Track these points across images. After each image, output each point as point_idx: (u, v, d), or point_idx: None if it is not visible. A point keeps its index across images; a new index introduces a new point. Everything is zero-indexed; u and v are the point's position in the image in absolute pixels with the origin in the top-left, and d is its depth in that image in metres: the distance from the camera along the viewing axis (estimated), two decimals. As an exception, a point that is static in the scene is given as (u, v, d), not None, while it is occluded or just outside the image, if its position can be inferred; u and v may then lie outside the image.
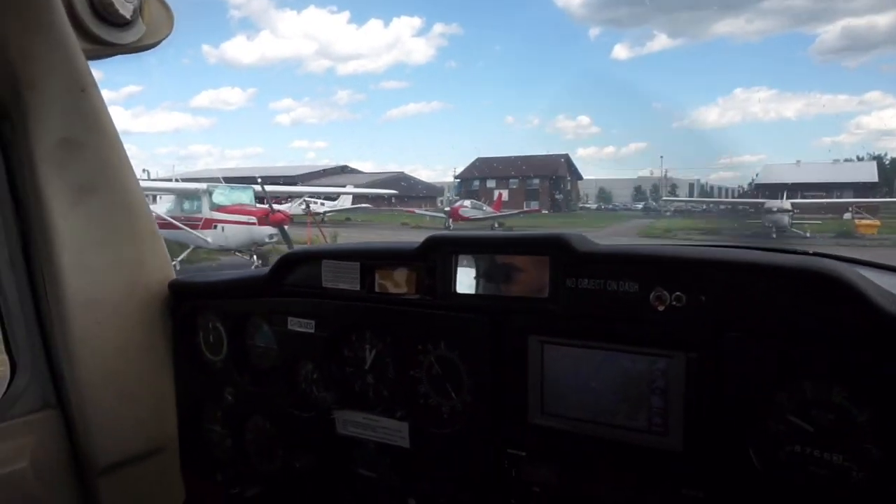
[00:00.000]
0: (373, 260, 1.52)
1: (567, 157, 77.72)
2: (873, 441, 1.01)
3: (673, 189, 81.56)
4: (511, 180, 74.92)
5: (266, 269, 1.68)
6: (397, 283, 1.48)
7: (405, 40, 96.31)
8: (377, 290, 1.51)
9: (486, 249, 1.38)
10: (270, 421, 1.76)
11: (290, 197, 52.42)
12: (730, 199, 54.94)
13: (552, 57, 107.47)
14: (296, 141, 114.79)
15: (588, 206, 76.54)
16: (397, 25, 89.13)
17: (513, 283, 1.35)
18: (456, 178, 79.24)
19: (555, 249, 1.28)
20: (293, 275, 1.64)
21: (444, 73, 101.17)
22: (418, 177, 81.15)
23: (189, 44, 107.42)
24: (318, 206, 46.77)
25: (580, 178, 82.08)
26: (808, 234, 32.94)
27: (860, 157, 73.51)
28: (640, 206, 70.76)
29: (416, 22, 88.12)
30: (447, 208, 39.57)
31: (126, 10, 1.52)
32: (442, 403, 1.48)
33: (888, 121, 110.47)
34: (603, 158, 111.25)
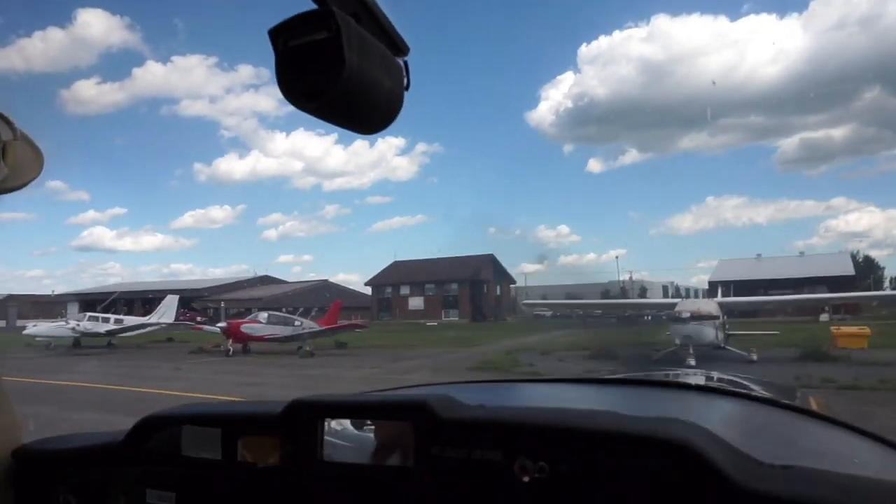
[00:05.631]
0: (235, 426, 1.42)
1: (493, 258, 66.80)
2: None
3: (643, 292, 70.47)
4: (427, 286, 64.93)
5: (123, 433, 1.54)
6: (261, 451, 1.38)
7: (389, 159, 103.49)
8: (240, 458, 1.40)
9: (351, 414, 1.37)
10: None
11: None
12: (656, 301, 41.11)
13: (530, 171, 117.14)
14: (282, 256, 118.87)
15: (542, 313, 65.17)
16: (382, 146, 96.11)
17: (381, 450, 1.31)
18: (366, 284, 68.76)
19: (417, 415, 1.24)
20: (152, 440, 1.51)
21: (426, 188, 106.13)
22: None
23: (179, 164, 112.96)
24: (96, 325, 34.83)
25: (511, 281, 71.01)
26: (754, 357, 19.66)
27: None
28: (599, 312, 58.15)
29: (400, 142, 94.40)
30: (223, 324, 27.39)
31: None
32: None
33: (854, 223, 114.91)
34: (584, 265, 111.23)
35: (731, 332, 21.77)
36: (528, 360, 20.52)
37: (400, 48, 0.83)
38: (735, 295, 26.32)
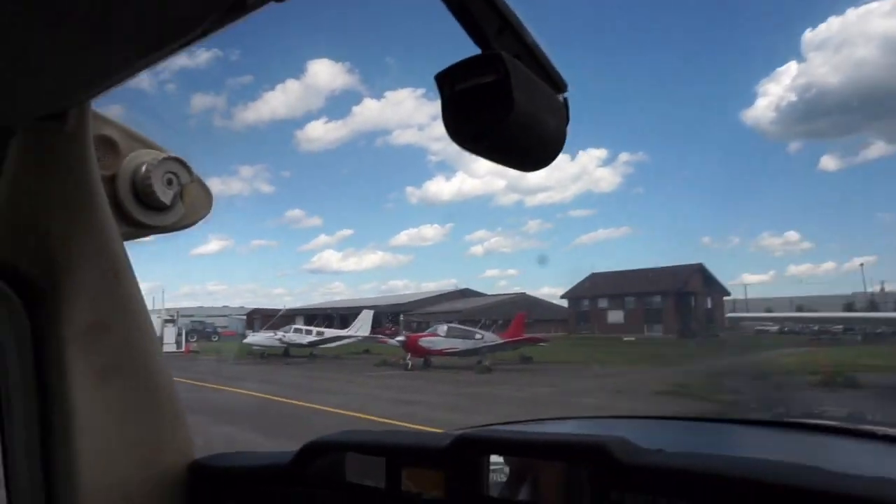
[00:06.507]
0: (399, 456, 1.44)
1: (702, 267, 59.85)
2: None
3: (896, 306, 57.87)
4: (627, 298, 60.57)
5: (290, 454, 1.59)
6: (425, 483, 1.38)
7: (591, 171, 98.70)
8: (403, 488, 1.41)
9: (521, 452, 1.31)
10: None
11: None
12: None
13: (748, 175, 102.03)
14: (488, 270, 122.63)
15: (766, 327, 56.92)
16: (583, 158, 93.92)
17: (551, 492, 1.25)
18: (562, 297, 65.92)
19: (594, 459, 1.18)
20: (316, 464, 1.55)
21: (631, 198, 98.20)
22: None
23: (393, 188, 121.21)
24: (300, 336, 37.24)
25: (725, 292, 62.98)
26: None
27: None
28: (839, 327, 48.71)
29: (602, 153, 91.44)
30: (402, 337, 27.27)
31: (166, 197, 1.57)
32: None
33: None
34: (819, 274, 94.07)
35: None
36: (734, 387, 16.98)
37: (559, 86, 0.84)
38: None
